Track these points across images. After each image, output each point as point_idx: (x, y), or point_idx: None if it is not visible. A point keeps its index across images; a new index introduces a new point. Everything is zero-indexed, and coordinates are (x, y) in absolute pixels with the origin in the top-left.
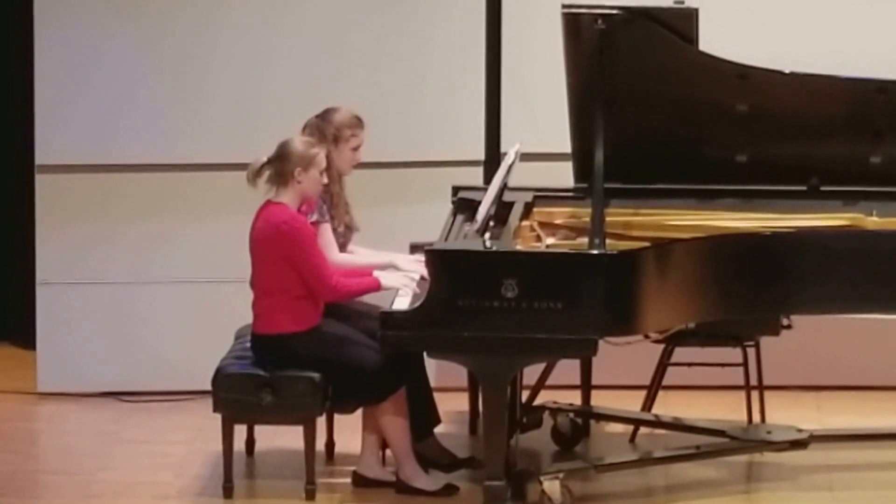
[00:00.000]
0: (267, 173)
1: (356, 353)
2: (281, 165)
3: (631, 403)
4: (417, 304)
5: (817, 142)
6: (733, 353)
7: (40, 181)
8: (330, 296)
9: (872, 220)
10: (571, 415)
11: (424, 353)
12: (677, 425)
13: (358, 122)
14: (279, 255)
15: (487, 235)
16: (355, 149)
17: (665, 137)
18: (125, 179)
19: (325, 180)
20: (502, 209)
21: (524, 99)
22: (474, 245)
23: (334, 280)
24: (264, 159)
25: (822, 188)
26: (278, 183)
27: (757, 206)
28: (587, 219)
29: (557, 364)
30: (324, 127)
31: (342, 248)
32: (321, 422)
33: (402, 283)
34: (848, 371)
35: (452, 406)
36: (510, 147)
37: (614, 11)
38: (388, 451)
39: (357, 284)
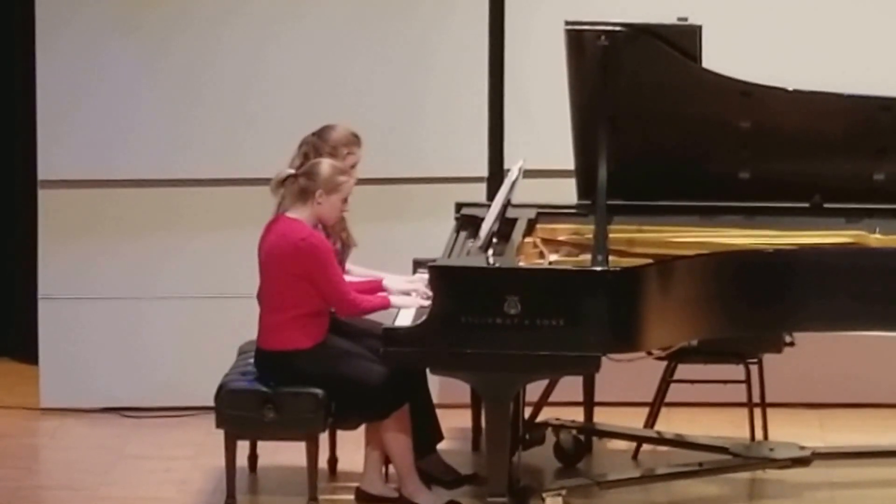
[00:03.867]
0: (290, 186)
1: (359, 370)
2: (306, 183)
3: (634, 420)
4: (420, 320)
5: (820, 159)
6: (736, 371)
7: (43, 196)
8: (350, 311)
9: (875, 238)
10: (574, 431)
11: (427, 370)
12: (680, 442)
13: (355, 140)
14: (295, 272)
15: (490, 252)
16: (352, 167)
17: (668, 154)
18: (127, 195)
19: (347, 209)
20: (505, 226)
21: (527, 115)
22: (477, 262)
23: (352, 295)
24: (291, 171)
25: (826, 205)
26: (298, 199)
27: (760, 223)
28: (590, 235)
29: (560, 381)
30: (320, 145)
31: (340, 265)
32: (324, 438)
33: (409, 304)
34: (851, 388)
35: (455, 423)
36: (513, 163)
37: (618, 28)
38: (390, 468)
39: (372, 302)
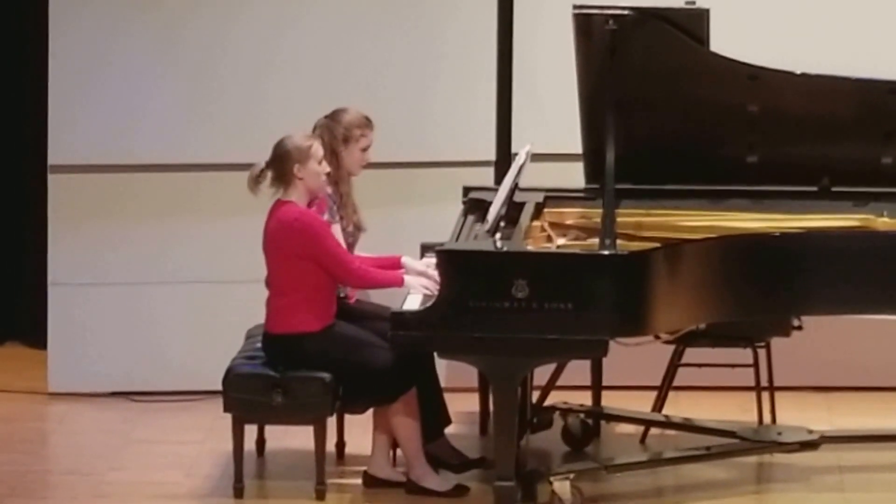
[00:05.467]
0: (268, 177)
1: (367, 354)
2: (279, 166)
3: (641, 404)
4: (428, 304)
5: (828, 143)
6: (744, 354)
7: (53, 181)
8: (356, 282)
9: (883, 221)
10: (582, 415)
11: (435, 354)
12: (688, 426)
13: (367, 123)
14: (294, 252)
15: (498, 236)
16: (365, 149)
17: (676, 138)
18: (137, 180)
19: (327, 169)
20: (513, 209)
21: (535, 99)
22: (485, 245)
23: (356, 265)
24: (262, 164)
25: (833, 189)
26: (281, 183)
27: (768, 206)
28: (598, 219)
29: (568, 364)
30: (333, 127)
31: (350, 248)
32: (332, 422)
33: (422, 289)
34: (858, 372)
35: (463, 406)
36: (521, 147)
37: (625, 12)
38: (398, 452)
39: (382, 275)
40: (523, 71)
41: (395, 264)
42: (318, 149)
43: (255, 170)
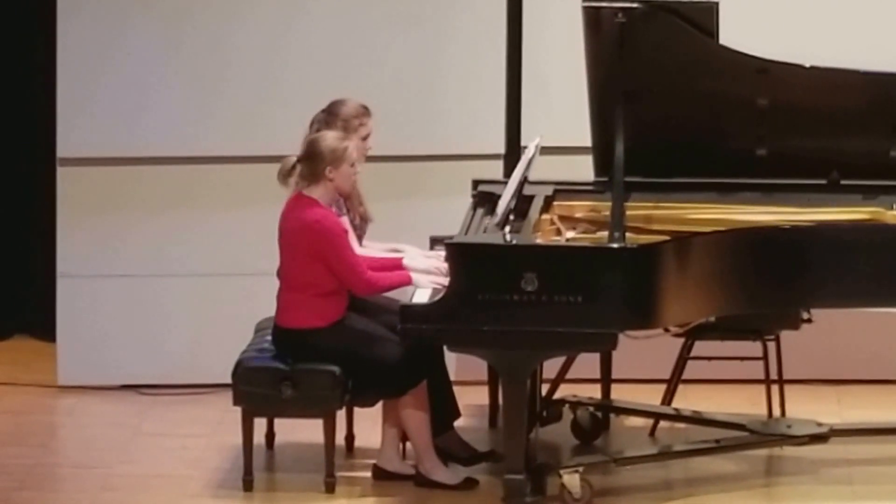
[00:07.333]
0: (297, 172)
1: (377, 347)
2: (312, 164)
3: (651, 397)
4: (437, 297)
5: (837, 136)
6: (753, 347)
7: (61, 174)
8: (367, 291)
9: (892, 214)
10: (591, 408)
11: (444, 347)
12: (697, 419)
13: (364, 111)
14: (309, 251)
15: (507, 229)
16: (365, 138)
17: (685, 131)
18: (146, 172)
19: (358, 170)
20: (522, 203)
21: (544, 92)
22: (494, 238)
23: (368, 275)
24: (294, 159)
25: (843, 182)
26: (310, 181)
27: (777, 199)
28: (607, 212)
29: (577, 358)
30: (331, 120)
31: (359, 239)
32: (341, 415)
33: (430, 284)
34: (868, 365)
35: (472, 400)
36: (530, 140)
37: (635, 5)
38: (407, 445)
39: (390, 278)
40: (533, 64)
41: (397, 266)
42: (352, 151)
43: (286, 164)
